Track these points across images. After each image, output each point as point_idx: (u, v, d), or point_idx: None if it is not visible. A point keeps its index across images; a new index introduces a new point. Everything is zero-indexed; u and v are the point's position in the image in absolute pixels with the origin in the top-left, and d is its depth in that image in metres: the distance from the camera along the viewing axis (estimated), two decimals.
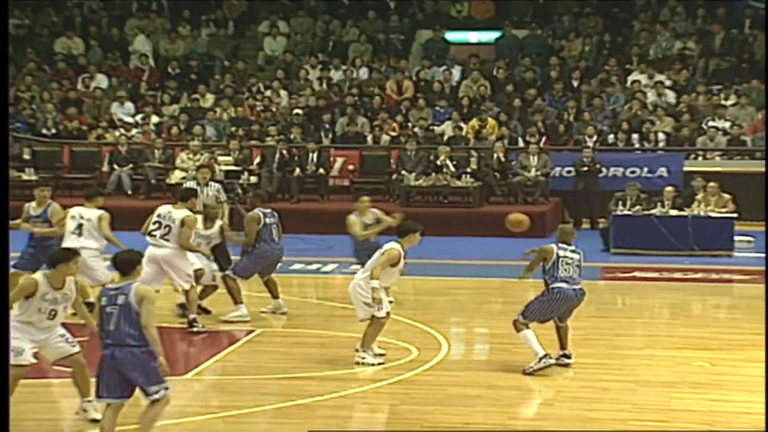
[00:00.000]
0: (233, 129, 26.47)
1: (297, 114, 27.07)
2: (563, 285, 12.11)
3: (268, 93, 28.20)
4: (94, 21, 30.95)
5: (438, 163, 23.97)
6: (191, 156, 24.82)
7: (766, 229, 20.93)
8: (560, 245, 12.31)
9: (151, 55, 29.90)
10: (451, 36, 30.53)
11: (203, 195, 16.14)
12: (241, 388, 11.74)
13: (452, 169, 23.90)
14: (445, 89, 28.07)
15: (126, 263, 9.34)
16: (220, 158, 24.06)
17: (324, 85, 28.43)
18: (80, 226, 14.40)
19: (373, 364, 12.38)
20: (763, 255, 18.76)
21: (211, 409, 10.94)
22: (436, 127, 26.51)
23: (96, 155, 25.94)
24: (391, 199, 24.32)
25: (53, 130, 26.81)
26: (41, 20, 30.70)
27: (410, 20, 30.87)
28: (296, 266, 18.97)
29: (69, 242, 13.97)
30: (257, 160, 24.94)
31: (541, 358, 11.95)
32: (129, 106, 27.78)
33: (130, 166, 25.27)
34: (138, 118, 27.37)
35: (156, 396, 9.23)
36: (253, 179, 23.92)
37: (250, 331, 14.27)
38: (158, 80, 29.00)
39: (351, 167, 25.51)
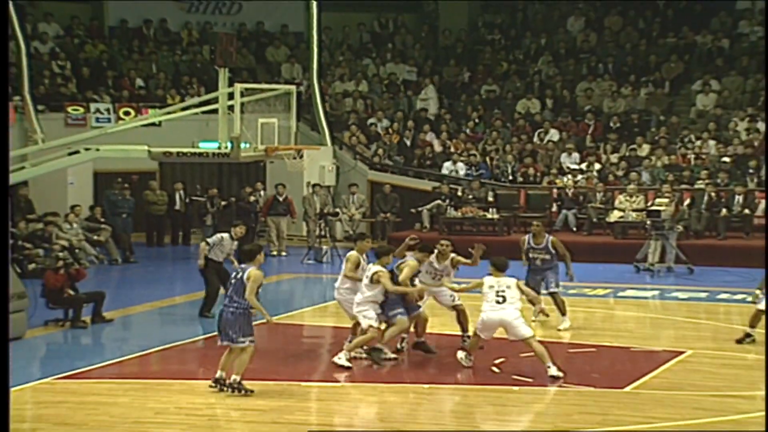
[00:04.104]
0: (666, 175, 28.13)
1: (724, 162, 28.30)
2: None
3: (698, 143, 29.53)
4: (549, 85, 33.58)
5: None
6: (628, 198, 26.82)
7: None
8: None
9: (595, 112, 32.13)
10: None
11: None
12: (676, 402, 11.98)
13: None
14: None
15: (248, 253, 12.59)
16: (656, 200, 25.77)
17: (751, 134, 29.38)
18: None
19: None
20: None
21: (650, 420, 11.05)
22: None
23: (547, 198, 28.58)
24: None
25: (511, 177, 29.77)
26: (507, 86, 33.82)
27: None
28: (723, 296, 20.04)
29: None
30: (687, 201, 26.59)
31: None
32: (575, 155, 30.01)
33: (575, 207, 27.73)
34: (583, 165, 29.59)
35: (242, 345, 12.40)
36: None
37: (681, 352, 14.55)
38: (601, 133, 31.18)
39: None
